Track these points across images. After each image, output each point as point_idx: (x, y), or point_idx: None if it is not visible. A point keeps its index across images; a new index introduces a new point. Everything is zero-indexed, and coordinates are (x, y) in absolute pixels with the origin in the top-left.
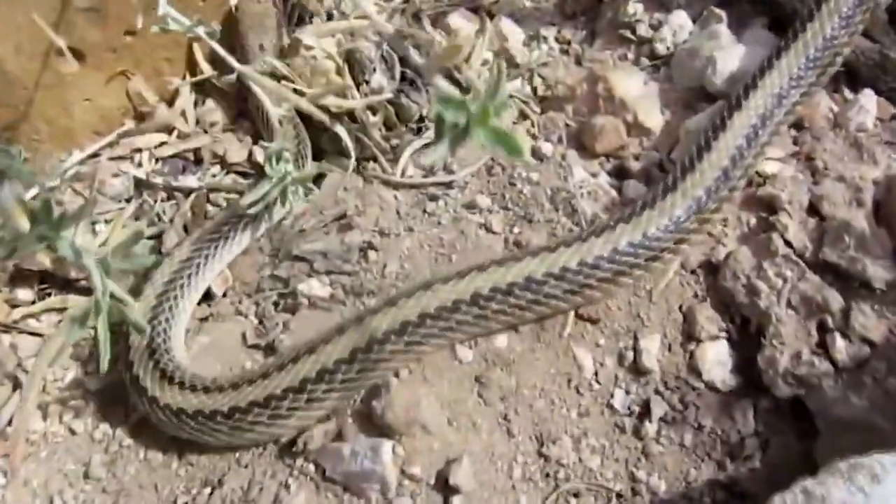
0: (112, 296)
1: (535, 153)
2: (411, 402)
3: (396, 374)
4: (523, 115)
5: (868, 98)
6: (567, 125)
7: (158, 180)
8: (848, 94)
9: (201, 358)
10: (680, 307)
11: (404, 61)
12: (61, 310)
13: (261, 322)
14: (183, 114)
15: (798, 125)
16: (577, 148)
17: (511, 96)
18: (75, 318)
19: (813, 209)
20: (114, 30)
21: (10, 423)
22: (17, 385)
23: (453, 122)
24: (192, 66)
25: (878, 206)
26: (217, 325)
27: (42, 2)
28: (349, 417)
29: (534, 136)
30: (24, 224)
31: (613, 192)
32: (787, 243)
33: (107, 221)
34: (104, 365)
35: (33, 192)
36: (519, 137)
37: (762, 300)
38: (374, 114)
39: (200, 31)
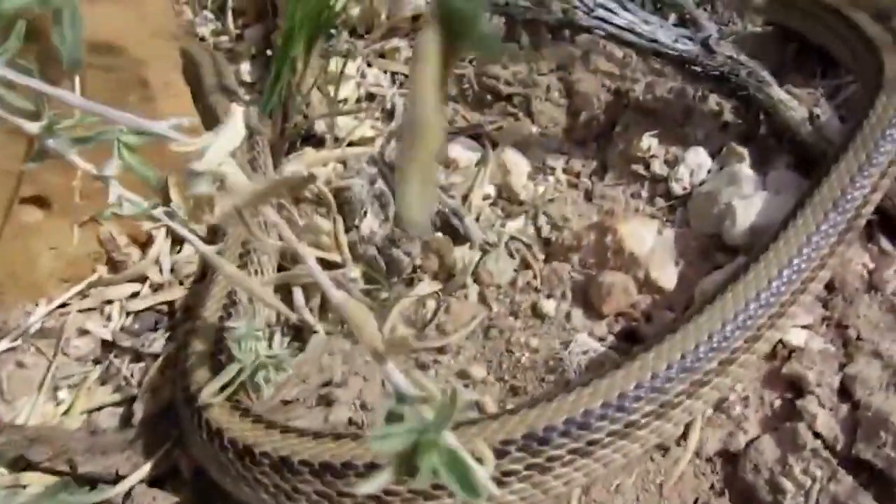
0: None
1: (537, 311)
2: None
3: None
4: (525, 264)
5: None
6: (573, 278)
7: (126, 343)
8: (885, 244)
9: None
10: (695, 502)
11: None
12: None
13: None
14: (157, 262)
15: (829, 286)
16: (582, 306)
17: (513, 238)
18: None
19: (845, 392)
20: (82, 176)
21: None
22: None
23: (399, 444)
24: (168, 204)
25: None
26: None
27: (4, 150)
28: None
29: (536, 290)
30: None
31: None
32: (816, 435)
33: (70, 386)
34: None
35: None
36: (477, 474)
37: (787, 501)
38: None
39: (160, 213)
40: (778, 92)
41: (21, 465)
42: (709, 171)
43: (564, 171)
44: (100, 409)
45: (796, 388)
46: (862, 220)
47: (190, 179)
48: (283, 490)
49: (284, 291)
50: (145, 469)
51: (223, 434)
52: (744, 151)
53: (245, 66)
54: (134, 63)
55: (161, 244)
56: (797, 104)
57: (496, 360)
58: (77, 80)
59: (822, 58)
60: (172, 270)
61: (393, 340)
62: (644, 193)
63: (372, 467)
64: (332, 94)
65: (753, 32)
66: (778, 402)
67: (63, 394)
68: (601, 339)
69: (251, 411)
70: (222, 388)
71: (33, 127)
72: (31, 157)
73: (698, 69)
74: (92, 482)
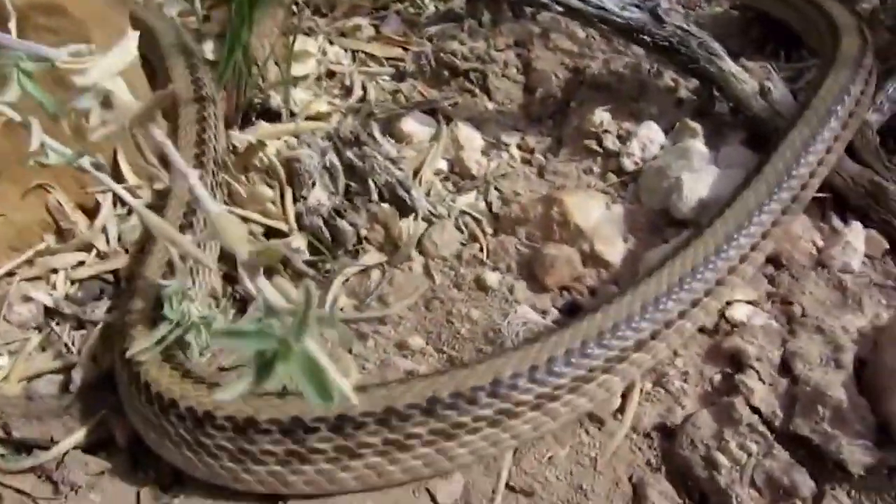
0: None
1: (480, 284)
2: None
3: None
4: (473, 237)
5: (855, 234)
6: (519, 251)
7: (68, 310)
8: (836, 222)
9: None
10: (630, 478)
11: (351, 170)
12: None
13: (158, 478)
14: (104, 231)
15: (777, 262)
16: (526, 279)
17: (463, 212)
18: None
19: (786, 367)
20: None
21: None
22: None
23: (260, 351)
24: (119, 177)
25: (861, 365)
26: (113, 482)
27: None
28: None
29: (481, 262)
30: None
31: None
32: (754, 409)
33: (11, 353)
34: None
35: None
36: (333, 379)
37: (722, 476)
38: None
39: (85, 162)
40: (729, 64)
41: None
42: (662, 147)
43: (519, 147)
44: (39, 375)
45: (736, 363)
46: (805, 197)
47: (75, 95)
48: (203, 446)
49: (231, 265)
50: (80, 435)
51: (162, 394)
52: (697, 127)
53: (209, 45)
54: (78, 25)
55: (108, 212)
56: (748, 77)
57: (436, 331)
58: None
59: (786, 41)
60: (119, 239)
61: (260, 250)
62: (596, 169)
63: (296, 422)
64: (289, 69)
65: (717, 13)
66: (718, 378)
67: (2, 360)
68: (543, 313)
69: (189, 371)
70: (157, 345)
71: None
72: None
73: (647, 39)
74: (27, 448)
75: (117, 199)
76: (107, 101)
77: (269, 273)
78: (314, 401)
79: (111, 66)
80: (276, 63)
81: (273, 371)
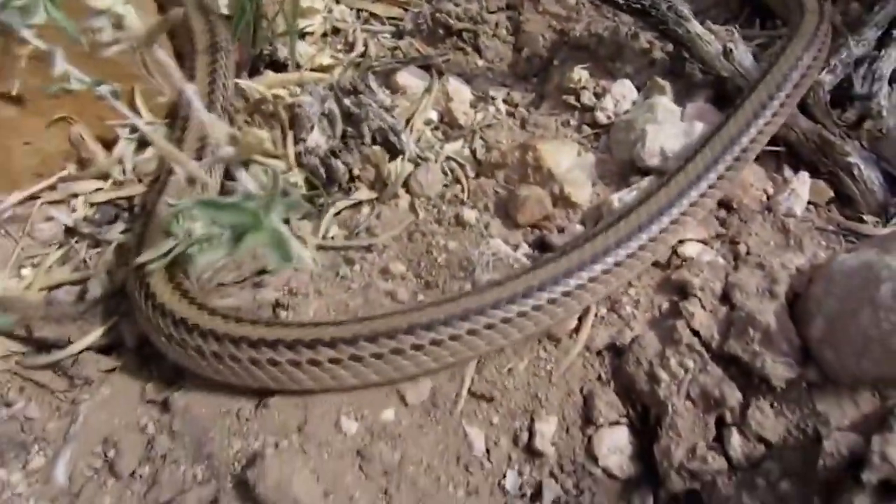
0: None
1: (459, 220)
2: (284, 474)
3: (276, 444)
4: (456, 180)
5: (801, 182)
6: (497, 193)
7: (87, 230)
8: (788, 173)
9: (97, 411)
10: (581, 389)
11: (348, 116)
12: None
13: (162, 375)
14: (120, 161)
15: (729, 207)
16: (502, 217)
17: (449, 158)
18: None
19: (726, 297)
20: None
21: None
22: None
23: (231, 225)
24: (136, 113)
25: (796, 298)
26: (122, 378)
27: None
28: (229, 483)
29: (462, 202)
30: None
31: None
32: (694, 332)
33: (34, 265)
34: None
35: None
36: (293, 244)
37: (661, 389)
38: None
39: (104, 90)
40: (695, 26)
41: None
42: (634, 103)
43: (504, 101)
44: (58, 286)
45: (682, 292)
46: (749, 156)
47: (90, 17)
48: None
49: None
50: (94, 336)
51: (156, 301)
52: (665, 84)
53: (224, 1)
54: None
55: (124, 144)
56: (713, 38)
57: (416, 259)
58: None
59: (761, 12)
60: (134, 169)
61: (246, 138)
62: (573, 122)
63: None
64: (295, 25)
65: None
66: (666, 305)
67: (26, 271)
68: (515, 247)
69: (184, 289)
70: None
71: None
72: None
73: (621, 1)
74: (46, 346)
75: (134, 132)
76: (119, 24)
77: None
78: (277, 263)
79: None
80: (285, 18)
81: (244, 240)
